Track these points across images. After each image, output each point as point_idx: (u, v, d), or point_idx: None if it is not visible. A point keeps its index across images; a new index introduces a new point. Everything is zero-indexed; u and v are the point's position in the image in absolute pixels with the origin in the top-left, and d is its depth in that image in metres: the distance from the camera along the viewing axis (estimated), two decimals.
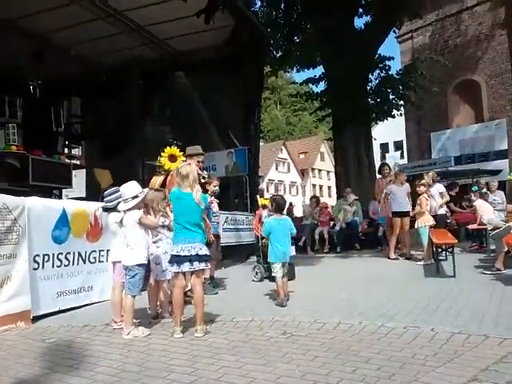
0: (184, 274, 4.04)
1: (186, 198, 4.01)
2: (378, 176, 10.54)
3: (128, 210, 4.15)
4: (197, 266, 3.95)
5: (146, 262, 4.20)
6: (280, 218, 5.30)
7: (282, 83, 60.32)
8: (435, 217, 8.06)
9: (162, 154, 5.59)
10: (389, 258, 8.86)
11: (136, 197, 4.15)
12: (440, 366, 2.88)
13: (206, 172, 6.26)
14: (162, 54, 11.61)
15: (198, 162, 5.86)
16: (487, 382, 2.60)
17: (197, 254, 3.93)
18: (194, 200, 3.98)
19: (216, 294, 5.99)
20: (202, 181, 5.73)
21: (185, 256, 3.92)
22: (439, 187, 8.63)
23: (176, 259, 3.97)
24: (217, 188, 6.37)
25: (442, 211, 8.53)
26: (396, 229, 8.80)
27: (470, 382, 2.61)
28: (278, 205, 5.40)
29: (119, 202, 4.28)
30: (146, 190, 4.53)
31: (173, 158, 5.50)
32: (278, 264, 5.19)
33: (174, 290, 4.13)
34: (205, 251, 4.01)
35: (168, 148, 5.59)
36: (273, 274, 5.38)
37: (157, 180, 5.61)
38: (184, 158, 5.59)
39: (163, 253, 4.69)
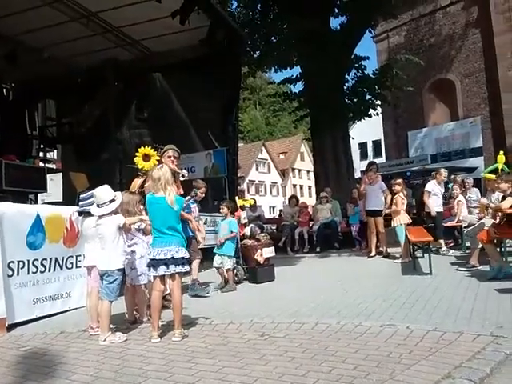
0: (162, 277, 4.01)
1: (159, 202, 3.99)
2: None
3: (106, 214, 4.10)
4: (173, 269, 3.92)
5: (123, 267, 4.16)
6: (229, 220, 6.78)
7: (261, 83, 60.42)
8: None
9: (136, 154, 5.53)
10: (368, 257, 8.97)
11: (113, 200, 4.11)
12: (415, 363, 2.92)
13: (185, 171, 6.14)
14: (138, 55, 11.50)
15: (169, 157, 5.60)
16: (461, 378, 2.65)
17: (172, 257, 3.91)
18: (166, 203, 3.95)
19: (207, 294, 6.02)
20: (181, 179, 5.65)
21: (160, 259, 3.90)
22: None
23: (152, 263, 3.95)
24: (202, 195, 6.35)
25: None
26: (371, 227, 8.94)
27: (443, 379, 2.65)
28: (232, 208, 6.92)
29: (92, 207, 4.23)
30: (120, 193, 4.48)
31: (147, 158, 5.44)
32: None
33: (152, 293, 4.10)
34: (181, 254, 3.98)
35: (142, 148, 5.53)
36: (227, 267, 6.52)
37: (137, 182, 5.55)
38: (158, 158, 5.53)
39: (139, 257, 4.65)
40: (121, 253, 4.15)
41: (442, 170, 8.99)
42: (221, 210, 6.94)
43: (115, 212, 4.16)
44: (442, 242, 8.48)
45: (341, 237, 11.21)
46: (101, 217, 4.14)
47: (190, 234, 5.86)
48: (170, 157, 5.59)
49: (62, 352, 3.76)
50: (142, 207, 4.74)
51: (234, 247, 6.73)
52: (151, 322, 4.05)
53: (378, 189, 8.86)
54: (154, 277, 4.03)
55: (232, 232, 6.68)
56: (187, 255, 4.11)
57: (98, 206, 4.15)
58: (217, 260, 6.68)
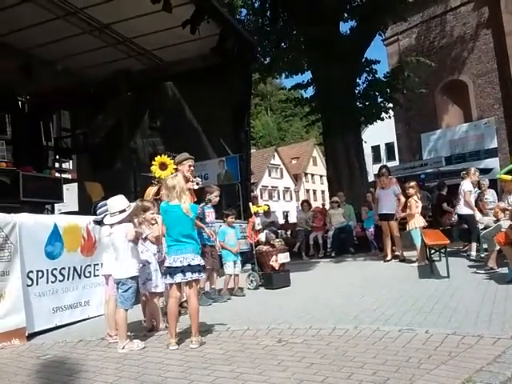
0: (178, 284, 4.04)
1: (174, 210, 4.02)
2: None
3: (116, 223, 4.14)
4: (189, 276, 3.94)
5: (137, 275, 4.19)
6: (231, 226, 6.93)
7: (272, 89, 60.51)
8: None
9: (152, 162, 5.59)
10: (384, 261, 8.90)
11: (123, 211, 4.14)
12: (434, 368, 2.89)
13: (199, 179, 6.20)
14: (150, 65, 11.63)
15: (190, 166, 5.79)
16: (481, 382, 2.61)
17: (189, 265, 3.93)
18: (181, 211, 3.98)
19: (209, 305, 5.95)
20: (196, 187, 5.69)
21: (177, 267, 3.93)
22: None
23: (169, 270, 3.98)
24: (216, 198, 6.28)
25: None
26: (385, 231, 8.86)
27: (464, 383, 2.62)
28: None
29: (106, 216, 4.28)
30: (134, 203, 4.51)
31: (163, 166, 5.50)
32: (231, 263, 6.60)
33: (168, 301, 4.12)
34: (197, 261, 4.00)
35: (158, 157, 5.59)
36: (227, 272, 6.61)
37: (151, 190, 5.61)
38: (175, 166, 5.58)
39: (141, 265, 4.67)
40: (134, 261, 4.16)
41: (474, 170, 8.56)
42: (230, 219, 6.90)
43: (128, 221, 4.19)
44: (474, 245, 8.14)
45: (356, 241, 11.15)
46: (112, 226, 4.19)
47: (206, 242, 5.90)
48: (190, 166, 5.77)
49: (81, 360, 3.80)
50: (151, 215, 4.71)
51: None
52: (168, 330, 4.07)
53: (391, 193, 8.79)
54: (171, 284, 4.05)
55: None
56: (203, 262, 4.13)
57: (110, 215, 4.21)
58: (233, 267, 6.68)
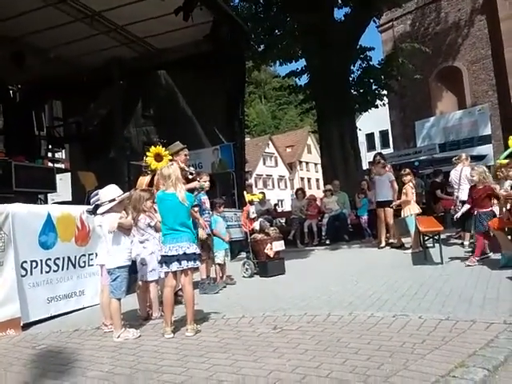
0: (174, 273, 4.04)
1: (170, 199, 4.01)
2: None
3: (104, 213, 4.13)
4: (185, 264, 3.95)
5: (126, 264, 4.14)
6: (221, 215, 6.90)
7: (266, 77, 60.22)
8: None
9: (147, 153, 5.56)
10: (378, 248, 8.95)
11: (113, 200, 4.12)
12: (428, 353, 2.92)
13: (192, 168, 6.20)
14: (142, 52, 11.50)
15: (186, 155, 5.86)
16: (474, 367, 2.64)
17: (184, 253, 3.93)
18: (177, 199, 3.98)
19: (217, 292, 5.97)
20: (190, 177, 5.69)
21: (172, 255, 3.93)
22: None
23: (164, 259, 3.98)
24: (206, 183, 6.29)
25: None
26: (380, 218, 8.90)
27: (457, 367, 2.64)
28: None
29: (98, 205, 4.26)
30: (129, 192, 4.51)
31: (159, 157, 5.48)
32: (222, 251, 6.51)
33: (164, 289, 4.12)
34: (193, 250, 4.00)
35: (153, 147, 5.56)
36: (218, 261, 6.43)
37: (144, 180, 5.60)
38: (170, 157, 5.56)
39: (150, 253, 4.70)
40: (122, 250, 4.12)
41: (466, 155, 8.47)
42: (219, 208, 6.88)
43: (117, 211, 4.16)
44: (468, 235, 7.96)
45: (351, 229, 11.20)
46: (103, 215, 4.17)
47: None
48: (186, 155, 5.83)
49: (77, 349, 3.80)
50: (150, 204, 4.79)
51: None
52: (164, 318, 4.08)
53: (387, 179, 8.82)
54: (166, 273, 4.05)
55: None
56: (198, 251, 4.13)
57: (101, 204, 4.19)
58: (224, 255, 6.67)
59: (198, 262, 4.15)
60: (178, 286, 4.51)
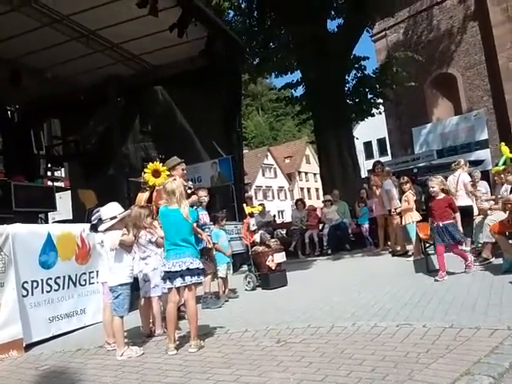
0: (177, 289, 4.03)
1: (174, 215, 4.00)
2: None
3: (105, 230, 4.14)
4: (189, 280, 3.94)
5: (128, 281, 4.13)
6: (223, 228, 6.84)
7: (262, 89, 60.61)
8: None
9: (145, 170, 5.57)
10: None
11: (114, 217, 4.13)
12: (433, 362, 2.90)
13: (190, 183, 6.20)
14: (139, 69, 11.60)
15: (183, 169, 5.81)
16: (480, 374, 2.63)
17: (188, 269, 3.92)
18: (181, 215, 3.98)
19: (220, 307, 5.94)
20: (189, 191, 5.70)
21: (176, 271, 3.91)
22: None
23: (168, 275, 3.96)
24: (205, 198, 6.30)
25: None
26: (391, 226, 8.82)
27: (462, 376, 2.63)
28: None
29: (99, 223, 4.26)
30: (130, 209, 4.51)
31: (157, 174, 5.48)
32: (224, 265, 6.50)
33: (167, 305, 4.09)
34: (196, 265, 3.99)
35: (151, 164, 5.57)
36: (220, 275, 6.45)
37: (142, 196, 5.60)
38: (168, 173, 5.57)
39: (152, 269, 4.68)
40: (123, 268, 4.12)
41: (464, 161, 8.49)
42: (221, 221, 6.87)
43: (118, 228, 4.18)
44: (468, 240, 8.08)
45: (352, 238, 11.19)
46: (104, 233, 4.18)
47: (204, 245, 5.90)
48: (183, 170, 5.77)
49: (80, 369, 3.78)
50: (150, 220, 4.79)
51: None
52: (167, 334, 4.06)
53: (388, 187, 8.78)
54: (169, 289, 4.02)
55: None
56: (201, 266, 4.12)
57: (102, 221, 4.20)
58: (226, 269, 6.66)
59: (201, 277, 4.14)
60: (181, 301, 4.50)
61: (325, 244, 11.05)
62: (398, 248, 8.84)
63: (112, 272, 4.12)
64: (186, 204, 4.09)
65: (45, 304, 5.17)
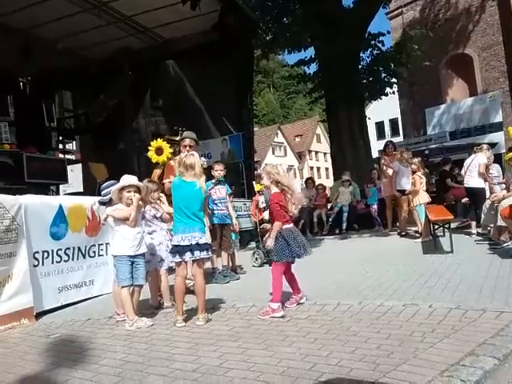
0: (185, 263, 4.07)
1: (188, 188, 4.00)
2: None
3: (106, 203, 4.28)
4: (198, 254, 3.97)
5: (125, 254, 4.15)
6: None
7: (275, 66, 59.80)
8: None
9: (149, 148, 5.53)
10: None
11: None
12: (438, 341, 2.92)
13: (203, 159, 6.12)
14: (150, 43, 11.51)
15: (185, 146, 5.54)
16: (484, 355, 2.64)
17: (197, 243, 3.95)
18: (196, 189, 3.99)
19: (227, 282, 5.98)
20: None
21: (185, 245, 3.94)
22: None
23: (177, 249, 3.98)
24: (221, 172, 6.16)
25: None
26: (403, 206, 8.74)
27: (467, 356, 2.65)
28: None
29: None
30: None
31: (159, 151, 5.45)
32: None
33: (175, 279, 4.14)
34: (205, 240, 4.03)
35: (154, 141, 5.53)
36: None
37: (156, 173, 5.58)
38: (171, 150, 5.53)
39: (158, 244, 4.74)
40: (121, 240, 4.18)
41: (487, 147, 8.35)
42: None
43: (116, 202, 4.24)
44: (474, 224, 8.01)
45: (360, 218, 11.15)
46: (106, 206, 4.37)
47: (215, 222, 5.94)
48: (185, 146, 5.55)
49: (90, 338, 3.86)
50: (157, 195, 4.81)
51: None
52: (175, 307, 4.12)
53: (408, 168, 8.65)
54: (178, 263, 4.05)
55: None
56: (209, 241, 4.16)
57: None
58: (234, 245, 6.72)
59: (209, 252, 4.17)
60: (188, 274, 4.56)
61: (329, 222, 10.99)
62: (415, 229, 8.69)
63: (111, 244, 4.23)
64: (204, 180, 4.10)
65: (55, 274, 5.27)
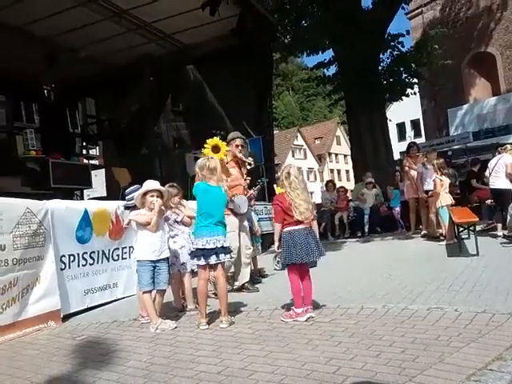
0: (209, 266, 4.08)
1: (214, 192, 4.05)
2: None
3: (130, 208, 4.35)
4: (222, 258, 4.02)
5: (147, 259, 4.19)
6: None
7: (294, 69, 59.85)
8: None
9: (204, 145, 5.49)
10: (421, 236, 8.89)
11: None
12: (464, 346, 2.88)
13: (251, 158, 5.92)
14: (171, 48, 11.64)
15: (237, 145, 5.59)
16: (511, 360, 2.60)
17: (222, 247, 4.00)
18: (221, 194, 4.06)
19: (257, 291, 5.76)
20: (248, 167, 5.59)
21: (211, 249, 3.97)
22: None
23: (202, 252, 3.99)
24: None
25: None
26: (432, 209, 8.60)
27: (494, 360, 2.61)
28: None
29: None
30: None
31: (216, 149, 5.38)
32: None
33: (198, 282, 4.14)
34: (227, 243, 4.09)
35: (210, 139, 5.51)
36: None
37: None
38: (227, 148, 5.45)
39: (180, 247, 4.79)
40: (143, 245, 4.22)
41: (511, 147, 8.15)
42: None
43: (140, 207, 4.29)
44: (499, 226, 7.81)
45: (383, 220, 11.04)
46: (130, 211, 4.46)
47: None
48: (237, 146, 5.58)
49: (116, 340, 3.92)
50: (178, 200, 4.84)
51: None
52: (199, 310, 4.15)
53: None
54: (202, 266, 4.05)
55: None
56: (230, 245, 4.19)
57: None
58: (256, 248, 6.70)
59: (231, 256, 4.23)
60: (244, 279, 4.85)
61: (366, 226, 10.89)
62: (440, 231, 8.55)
63: (135, 248, 4.30)
64: (225, 183, 4.16)
65: (81, 277, 5.35)
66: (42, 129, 10.95)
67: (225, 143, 5.45)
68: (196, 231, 4.15)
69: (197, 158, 5.01)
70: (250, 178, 5.81)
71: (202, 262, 4.01)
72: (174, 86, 12.17)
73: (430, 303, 4.00)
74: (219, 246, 3.97)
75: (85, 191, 11.32)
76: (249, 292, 5.48)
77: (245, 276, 5.57)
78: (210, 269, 4.11)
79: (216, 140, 5.38)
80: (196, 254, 4.07)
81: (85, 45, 10.58)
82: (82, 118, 13.19)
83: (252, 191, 5.84)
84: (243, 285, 5.54)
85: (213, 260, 3.99)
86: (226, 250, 4.02)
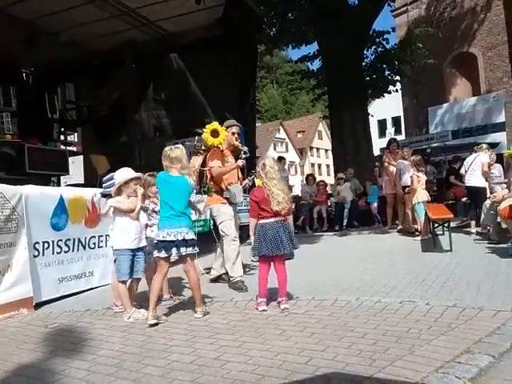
0: (169, 259, 3.98)
1: (176, 182, 3.95)
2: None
3: (108, 195, 4.27)
4: (183, 251, 3.87)
5: (125, 248, 4.15)
6: None
7: (278, 62, 59.64)
8: None
9: (203, 130, 5.38)
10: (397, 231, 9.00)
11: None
12: (434, 338, 2.94)
13: (246, 147, 5.76)
14: (154, 36, 11.43)
15: (233, 133, 5.45)
16: (480, 353, 2.66)
17: (183, 239, 3.87)
18: (183, 183, 3.95)
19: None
20: (243, 156, 5.46)
21: (171, 241, 3.85)
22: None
23: (163, 244, 3.87)
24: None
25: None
26: (408, 205, 8.71)
27: (462, 353, 2.66)
28: None
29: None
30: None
31: (215, 133, 5.27)
32: None
33: (155, 275, 4.01)
34: (191, 236, 3.94)
35: (209, 124, 5.41)
36: None
37: (196, 161, 5.43)
38: (226, 134, 5.36)
39: None
40: (120, 233, 4.17)
41: (486, 146, 8.42)
42: None
43: (117, 194, 4.23)
44: (473, 223, 8.05)
45: (360, 215, 11.17)
46: (107, 198, 4.36)
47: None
48: (234, 133, 5.45)
49: (88, 329, 3.88)
50: (155, 189, 4.74)
51: None
52: (150, 304, 3.90)
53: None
54: (162, 258, 3.93)
55: None
56: (196, 237, 4.05)
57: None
58: None
59: (196, 248, 4.02)
60: (222, 270, 4.93)
61: (345, 220, 10.97)
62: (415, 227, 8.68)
63: (111, 236, 4.24)
64: (189, 173, 4.08)
65: (55, 265, 5.28)
66: (19, 113, 10.67)
67: (224, 128, 5.37)
68: (159, 223, 4.05)
69: None
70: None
71: (163, 254, 3.89)
72: (157, 74, 11.98)
73: (402, 297, 4.06)
74: (180, 238, 3.84)
75: (62, 178, 11.09)
76: (241, 292, 5.14)
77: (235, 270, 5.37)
78: (180, 262, 4.06)
79: (215, 124, 5.28)
80: (157, 246, 3.94)
81: (66, 28, 10.30)
82: (60, 103, 12.86)
83: (246, 181, 5.79)
84: (221, 275, 5.52)
85: (173, 253, 3.87)
86: (187, 242, 3.87)
